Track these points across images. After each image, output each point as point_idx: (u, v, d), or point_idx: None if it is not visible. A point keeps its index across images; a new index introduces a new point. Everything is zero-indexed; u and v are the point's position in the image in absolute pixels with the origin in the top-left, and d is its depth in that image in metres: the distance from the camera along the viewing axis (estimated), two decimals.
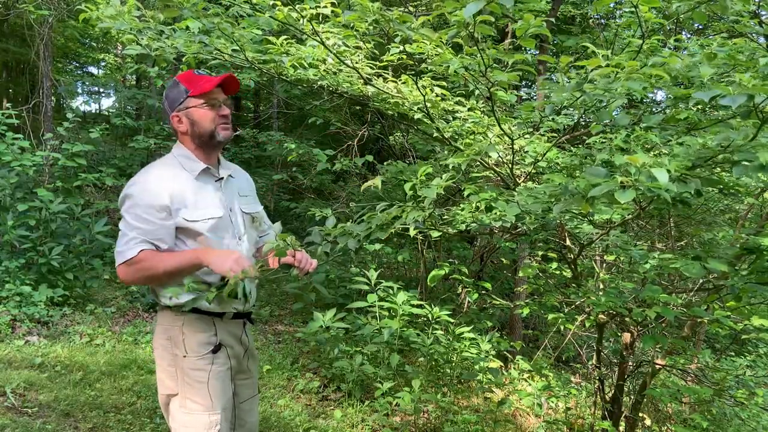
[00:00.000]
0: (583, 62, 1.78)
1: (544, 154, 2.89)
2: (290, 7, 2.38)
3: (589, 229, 2.88)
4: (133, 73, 14.22)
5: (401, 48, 2.63)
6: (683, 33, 7.30)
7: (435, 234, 2.52)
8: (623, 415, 3.33)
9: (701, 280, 2.98)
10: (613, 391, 3.31)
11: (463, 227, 2.41)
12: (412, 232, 1.93)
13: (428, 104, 2.89)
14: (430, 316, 4.29)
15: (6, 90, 12.36)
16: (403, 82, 3.08)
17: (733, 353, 5.88)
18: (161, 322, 1.97)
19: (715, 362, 5.18)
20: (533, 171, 3.06)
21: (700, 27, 6.36)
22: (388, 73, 3.11)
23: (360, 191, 6.35)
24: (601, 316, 3.01)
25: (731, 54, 1.63)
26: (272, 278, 2.02)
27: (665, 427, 4.14)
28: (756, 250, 2.06)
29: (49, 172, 6.43)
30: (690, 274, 1.97)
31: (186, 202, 1.89)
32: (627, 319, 2.94)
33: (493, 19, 1.58)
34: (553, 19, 2.51)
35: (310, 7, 2.49)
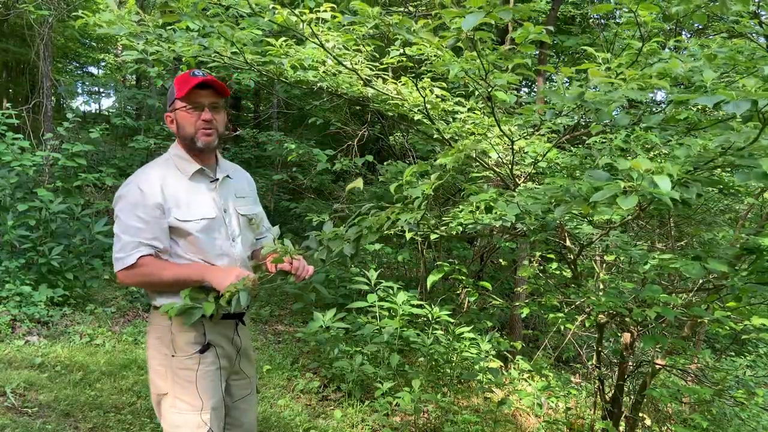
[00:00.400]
0: (584, 65, 1.78)
1: (544, 155, 2.89)
2: (289, 10, 2.38)
3: (588, 230, 2.88)
4: (133, 73, 14.22)
5: (401, 51, 2.63)
6: (683, 33, 7.30)
7: (434, 236, 2.52)
8: (623, 415, 3.33)
9: (701, 281, 2.98)
10: (613, 391, 3.31)
11: (460, 229, 2.41)
12: (408, 235, 1.93)
13: (428, 105, 2.89)
14: (430, 316, 4.29)
15: (6, 90, 12.36)
16: (403, 84, 3.08)
17: (733, 353, 5.88)
18: (152, 322, 1.98)
19: (715, 362, 5.18)
20: (533, 171, 3.06)
21: (700, 27, 6.36)
22: (388, 75, 3.11)
23: (361, 191, 6.35)
24: (601, 316, 3.01)
25: (731, 55, 1.62)
26: (269, 285, 1.98)
27: (665, 427, 4.14)
28: (756, 250, 2.07)
29: (49, 172, 6.43)
30: (690, 274, 1.97)
31: (178, 202, 1.89)
32: (627, 319, 2.94)
33: (492, 23, 1.58)
34: (552, 28, 2.51)
35: (310, 11, 2.49)
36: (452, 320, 4.44)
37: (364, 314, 4.55)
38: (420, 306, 4.43)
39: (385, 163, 5.55)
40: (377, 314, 4.35)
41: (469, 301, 4.99)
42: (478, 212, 2.28)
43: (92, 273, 5.58)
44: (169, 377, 1.91)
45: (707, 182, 1.64)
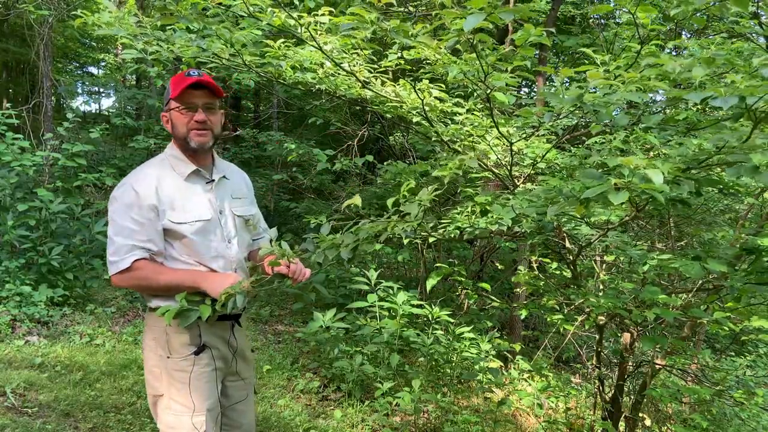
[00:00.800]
0: (583, 67, 1.78)
1: (543, 156, 2.89)
2: (287, 13, 2.38)
3: (586, 231, 2.88)
4: (133, 73, 14.22)
5: (399, 54, 2.63)
6: (683, 33, 7.30)
7: (431, 239, 2.52)
8: (623, 415, 3.33)
9: (701, 281, 2.98)
10: (613, 392, 3.31)
11: (457, 233, 2.40)
12: (405, 241, 1.92)
13: (426, 108, 2.89)
14: (430, 316, 4.29)
15: (6, 90, 12.36)
16: (401, 86, 3.08)
17: (733, 353, 5.88)
18: (148, 323, 1.97)
19: (715, 362, 5.19)
20: (532, 172, 3.05)
21: (701, 27, 6.36)
22: (388, 77, 3.11)
23: (360, 190, 6.35)
24: (600, 317, 3.01)
25: (728, 58, 1.62)
26: (266, 288, 1.97)
27: (665, 427, 4.13)
28: (755, 251, 2.06)
29: (49, 172, 6.43)
30: (689, 274, 1.97)
31: (173, 204, 1.88)
32: (627, 320, 2.94)
33: (491, 26, 1.58)
34: (552, 30, 2.50)
35: (308, 14, 2.50)
36: (452, 320, 4.44)
37: (364, 314, 4.55)
38: (420, 306, 4.43)
39: (385, 163, 5.55)
40: (377, 314, 4.35)
41: (468, 302, 4.99)
42: (474, 216, 2.28)
43: (92, 273, 5.58)
44: (165, 378, 1.91)
45: (706, 182, 1.64)
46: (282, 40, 2.94)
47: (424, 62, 2.83)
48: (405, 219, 1.74)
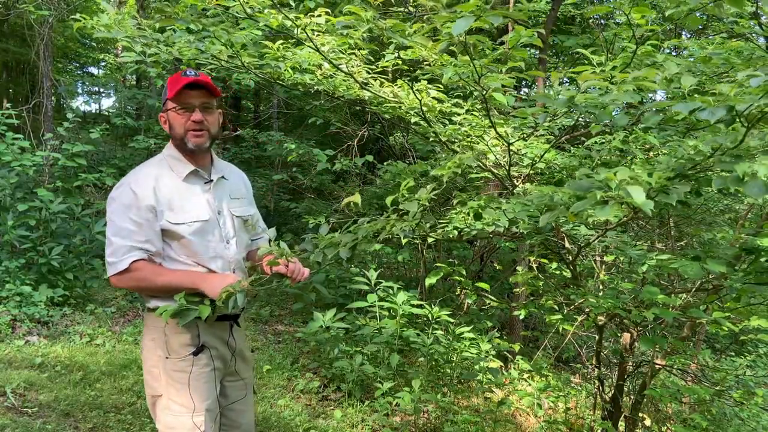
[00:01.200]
0: (579, 68, 1.78)
1: (542, 156, 2.89)
2: (284, 15, 2.38)
3: (585, 231, 2.88)
4: (133, 73, 14.23)
5: (396, 54, 2.63)
6: (683, 33, 7.30)
7: (430, 239, 2.53)
8: (623, 415, 3.33)
9: (701, 281, 2.98)
10: (613, 392, 3.31)
11: (456, 233, 2.41)
12: (404, 241, 1.92)
13: (424, 108, 2.89)
14: (430, 316, 4.29)
15: (6, 90, 12.37)
16: (399, 87, 3.08)
17: (733, 353, 5.88)
18: (147, 323, 1.97)
19: (715, 362, 5.19)
20: (531, 172, 3.05)
21: (701, 27, 6.36)
22: (387, 77, 3.11)
23: (361, 191, 6.35)
24: (600, 317, 3.01)
25: (726, 57, 1.63)
26: (265, 288, 1.97)
27: (665, 427, 4.13)
28: (755, 251, 2.06)
29: (49, 172, 6.44)
30: (688, 274, 1.97)
31: (171, 205, 1.87)
32: (626, 320, 2.94)
33: (487, 26, 1.59)
34: (542, 30, 2.50)
35: (305, 15, 2.50)
36: (452, 320, 4.44)
37: (364, 314, 4.55)
38: (420, 306, 4.43)
39: (385, 164, 5.56)
40: (377, 314, 4.35)
41: (468, 302, 4.99)
42: (470, 218, 2.29)
43: (92, 273, 5.59)
44: (163, 379, 1.91)
45: (705, 182, 1.64)
46: (281, 41, 2.94)
47: (423, 63, 2.83)
48: (404, 218, 1.74)
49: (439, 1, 1.82)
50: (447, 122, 3.19)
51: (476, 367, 4.08)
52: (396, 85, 3.08)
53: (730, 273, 2.00)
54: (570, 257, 3.03)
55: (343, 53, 2.86)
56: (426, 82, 3.02)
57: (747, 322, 2.56)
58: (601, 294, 2.98)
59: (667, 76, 1.42)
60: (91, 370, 4.10)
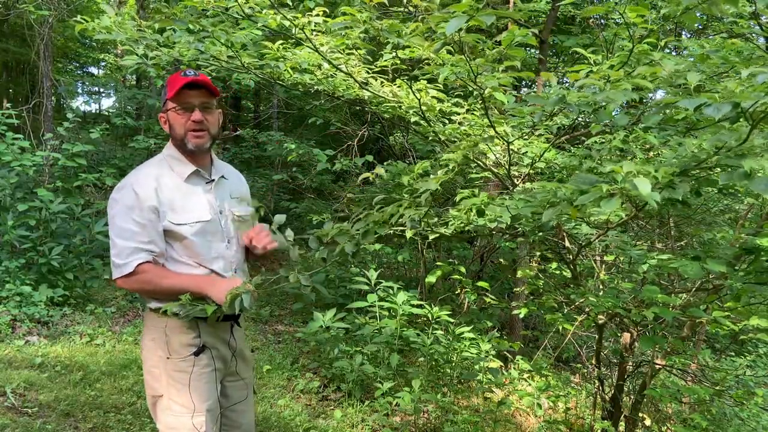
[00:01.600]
0: (575, 67, 1.78)
1: (542, 155, 2.89)
2: (282, 15, 2.38)
3: (586, 230, 2.88)
4: (133, 73, 14.23)
5: (394, 54, 2.63)
6: (683, 33, 7.30)
7: (432, 236, 2.52)
8: (623, 415, 3.33)
9: (701, 281, 2.98)
10: (613, 391, 3.31)
11: (461, 228, 2.41)
12: (408, 234, 1.93)
13: (424, 107, 2.89)
14: (430, 316, 4.29)
15: (6, 90, 12.37)
16: (399, 86, 3.08)
17: (733, 353, 5.88)
18: (147, 323, 1.97)
19: (715, 362, 5.19)
20: (531, 172, 3.05)
21: (700, 26, 6.36)
22: (387, 77, 3.11)
23: (361, 190, 6.35)
24: (600, 316, 3.01)
25: (725, 56, 1.62)
26: (270, 289, 1.97)
27: (665, 427, 4.13)
28: (755, 250, 2.06)
29: (49, 172, 6.43)
30: (688, 274, 1.97)
31: (173, 205, 1.87)
32: (626, 319, 2.94)
33: (489, 23, 1.59)
34: (536, 31, 2.52)
35: (303, 15, 2.50)
36: (452, 320, 4.44)
37: (364, 314, 4.55)
38: (420, 306, 4.43)
39: (385, 163, 5.55)
40: (377, 314, 4.35)
41: (468, 302, 4.99)
42: (471, 215, 2.29)
43: (92, 273, 5.59)
44: (164, 379, 1.90)
45: (706, 182, 1.64)
46: (280, 41, 2.94)
47: (422, 62, 2.83)
48: (416, 200, 1.74)
49: (433, 1, 1.83)
50: (447, 121, 3.19)
51: (476, 367, 4.08)
52: (395, 84, 3.08)
53: (731, 273, 2.00)
54: (570, 257, 3.03)
55: (341, 53, 2.86)
56: (425, 81, 3.02)
57: (747, 322, 2.56)
58: (601, 294, 2.98)
59: (668, 73, 1.42)
60: (91, 370, 4.10)
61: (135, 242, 1.82)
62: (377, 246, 5.45)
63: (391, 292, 4.47)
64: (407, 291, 4.57)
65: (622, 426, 3.38)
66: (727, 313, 2.51)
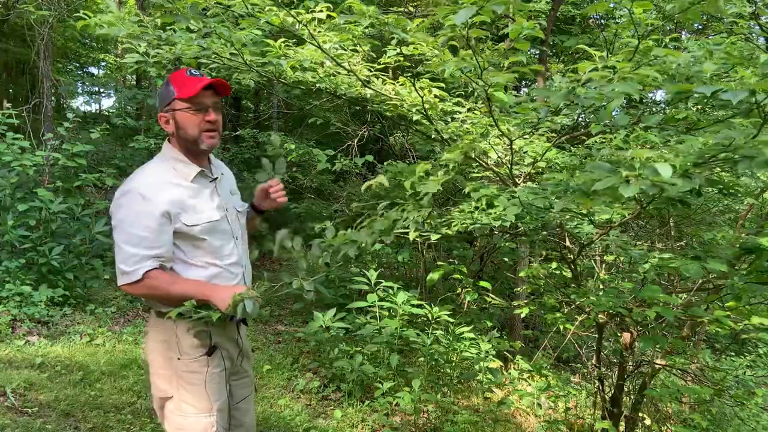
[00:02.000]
0: (578, 65, 1.78)
1: (543, 154, 2.89)
2: (286, 11, 2.38)
3: (589, 229, 2.88)
4: (133, 73, 14.22)
5: (398, 50, 2.63)
6: (683, 33, 7.30)
7: (434, 237, 2.52)
8: (623, 415, 3.33)
9: (701, 280, 2.98)
10: (613, 391, 3.30)
11: (463, 227, 2.41)
12: (412, 236, 1.92)
13: (426, 106, 2.89)
14: (430, 316, 4.29)
15: (6, 90, 12.36)
16: (401, 84, 3.08)
17: (733, 353, 5.88)
18: (155, 325, 1.95)
19: (715, 362, 5.19)
20: (532, 171, 3.06)
21: (700, 27, 6.36)
22: (387, 75, 3.12)
23: (362, 192, 6.35)
24: (600, 316, 3.01)
25: (728, 51, 1.63)
26: (272, 295, 1.98)
27: (665, 427, 4.13)
28: (755, 250, 2.06)
29: (49, 172, 6.43)
30: (689, 274, 1.97)
31: (184, 207, 1.85)
32: (627, 319, 2.94)
33: (489, 20, 1.58)
34: (543, 23, 2.52)
35: (307, 12, 2.49)
36: (452, 320, 4.43)
37: (364, 314, 4.55)
38: (420, 306, 4.43)
39: (385, 163, 5.55)
40: (377, 314, 4.35)
41: (468, 301, 4.99)
42: (477, 212, 2.29)
43: (92, 273, 5.59)
44: (175, 380, 1.89)
45: (707, 182, 1.64)
46: (282, 39, 2.94)
47: (424, 61, 2.83)
48: (419, 203, 1.75)
49: None
50: (449, 120, 3.19)
51: (476, 367, 4.08)
52: (398, 82, 3.08)
53: (731, 272, 2.00)
54: (571, 256, 3.03)
55: (345, 50, 2.86)
56: (428, 80, 3.02)
57: (747, 322, 2.56)
58: (601, 293, 2.98)
59: (688, 61, 1.42)
60: (91, 370, 4.10)
61: (143, 249, 1.79)
62: (377, 246, 5.45)
63: (391, 292, 4.47)
64: (407, 291, 4.57)
65: (622, 426, 3.38)
66: (727, 313, 2.51)
